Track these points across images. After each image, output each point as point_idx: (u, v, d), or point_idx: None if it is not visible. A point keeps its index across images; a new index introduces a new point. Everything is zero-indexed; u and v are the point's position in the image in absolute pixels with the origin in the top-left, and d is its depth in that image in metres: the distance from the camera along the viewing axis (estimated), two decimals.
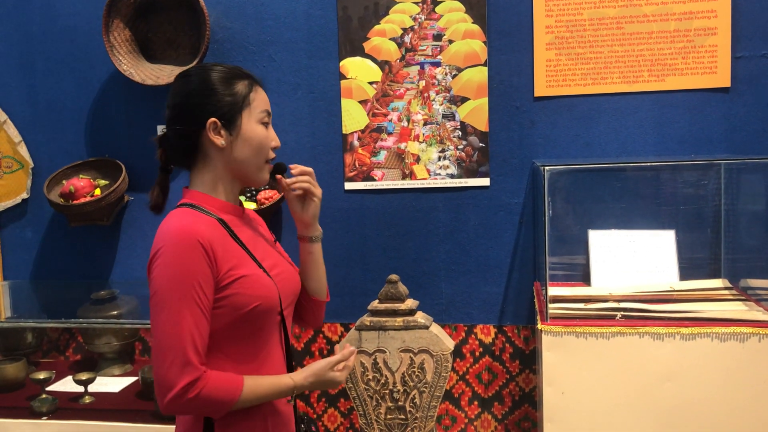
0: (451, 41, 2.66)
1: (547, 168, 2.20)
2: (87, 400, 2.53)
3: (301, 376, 1.47)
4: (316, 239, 1.66)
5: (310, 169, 1.59)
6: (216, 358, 1.39)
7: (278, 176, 1.57)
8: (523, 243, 2.67)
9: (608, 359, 2.12)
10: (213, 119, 1.42)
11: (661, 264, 2.47)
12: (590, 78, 2.56)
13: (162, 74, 2.75)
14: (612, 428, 2.12)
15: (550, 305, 2.24)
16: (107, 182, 2.83)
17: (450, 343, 2.42)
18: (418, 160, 2.71)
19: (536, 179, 2.54)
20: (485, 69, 2.64)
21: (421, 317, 2.40)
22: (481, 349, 2.72)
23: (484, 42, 2.63)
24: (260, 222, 1.64)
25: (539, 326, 2.17)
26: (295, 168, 1.59)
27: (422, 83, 2.69)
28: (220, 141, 1.42)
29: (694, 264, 2.49)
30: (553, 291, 2.40)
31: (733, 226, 2.48)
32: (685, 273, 2.46)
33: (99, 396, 2.56)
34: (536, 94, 2.60)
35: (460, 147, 2.68)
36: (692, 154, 2.52)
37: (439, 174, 2.70)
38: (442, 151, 2.69)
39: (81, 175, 2.84)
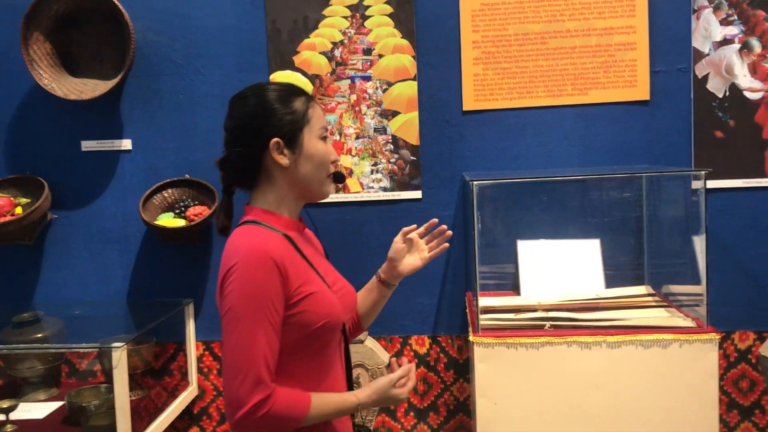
0: (381, 55, 2.67)
1: (475, 182, 2.23)
2: (9, 428, 2.42)
3: (364, 393, 1.48)
4: (393, 287, 1.76)
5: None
6: (282, 374, 1.38)
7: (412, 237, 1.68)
8: (456, 254, 2.70)
9: (538, 369, 2.16)
10: (276, 139, 1.42)
11: (588, 272, 2.54)
12: (516, 92, 2.62)
13: (85, 88, 2.67)
14: None
15: (482, 316, 2.28)
16: (29, 200, 2.73)
17: (385, 356, 2.43)
18: (351, 173, 2.71)
19: (466, 192, 2.58)
20: (415, 83, 2.66)
21: None
22: (416, 360, 2.73)
23: (414, 56, 2.66)
24: (314, 238, 1.65)
25: (471, 338, 2.20)
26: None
27: (353, 97, 2.69)
28: (284, 160, 1.43)
29: (618, 272, 2.58)
30: (484, 301, 2.43)
31: (655, 234, 2.58)
32: (611, 281, 2.54)
33: (22, 423, 2.46)
34: (465, 108, 2.64)
35: (392, 160, 2.69)
36: (615, 165, 2.60)
37: (372, 187, 2.71)
38: (375, 164, 2.70)
39: (0, 194, 2.73)
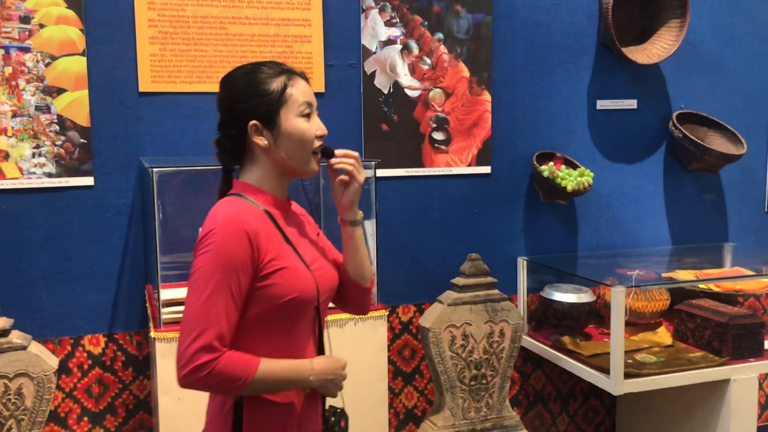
0: (42, 25, 2.39)
1: (155, 170, 2.13)
2: None
3: (321, 367, 1.49)
4: (356, 223, 1.62)
5: (355, 153, 1.56)
6: (251, 348, 1.42)
7: (329, 160, 1.55)
8: (134, 245, 2.55)
9: None
10: (253, 122, 1.46)
11: None
12: (196, 76, 2.55)
13: None
14: None
15: (164, 310, 2.19)
16: None
17: (53, 362, 2.19)
18: (7, 157, 2.39)
19: (144, 178, 2.44)
20: (84, 59, 2.44)
21: (16, 337, 2.13)
22: (90, 362, 2.53)
23: (82, 30, 2.43)
24: (307, 219, 1.66)
25: (152, 334, 2.10)
26: (340, 151, 1.56)
27: (9, 70, 2.37)
28: (263, 142, 1.47)
29: None
30: (167, 294, 2.33)
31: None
32: None
33: None
34: (141, 89, 2.50)
35: (59, 143, 2.44)
36: None
37: (35, 173, 2.42)
38: (37, 147, 2.42)
39: None
